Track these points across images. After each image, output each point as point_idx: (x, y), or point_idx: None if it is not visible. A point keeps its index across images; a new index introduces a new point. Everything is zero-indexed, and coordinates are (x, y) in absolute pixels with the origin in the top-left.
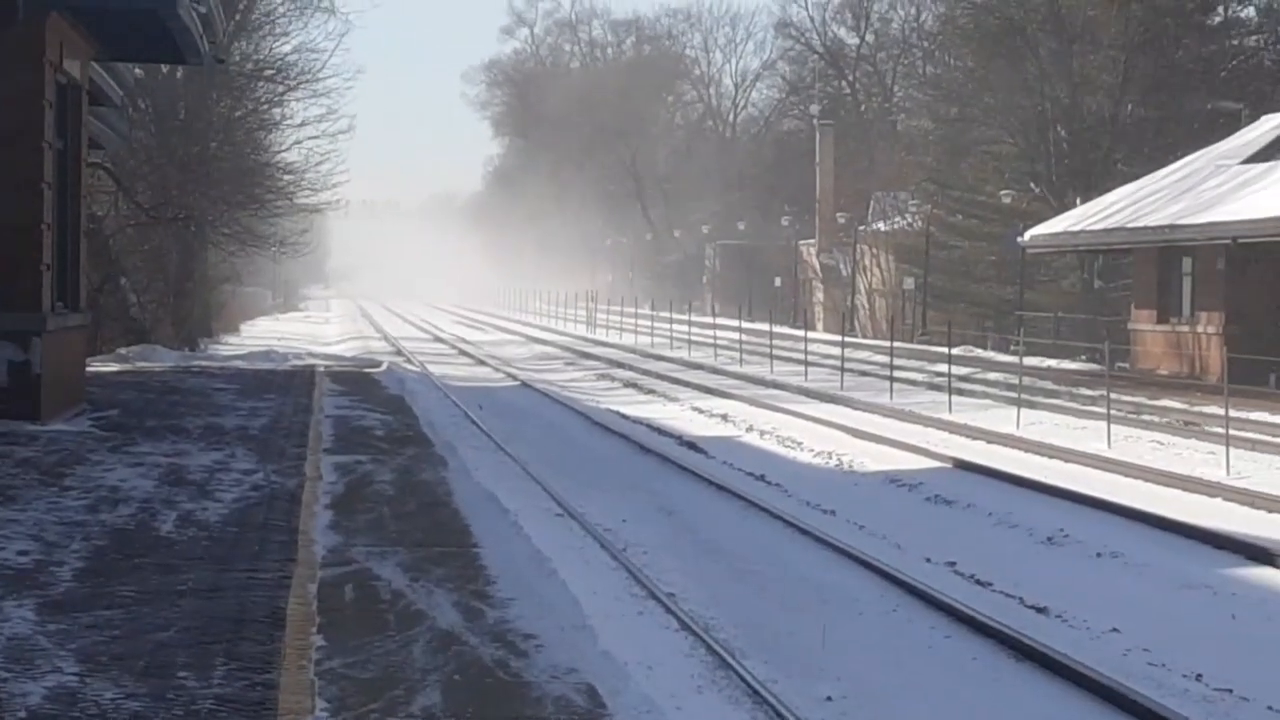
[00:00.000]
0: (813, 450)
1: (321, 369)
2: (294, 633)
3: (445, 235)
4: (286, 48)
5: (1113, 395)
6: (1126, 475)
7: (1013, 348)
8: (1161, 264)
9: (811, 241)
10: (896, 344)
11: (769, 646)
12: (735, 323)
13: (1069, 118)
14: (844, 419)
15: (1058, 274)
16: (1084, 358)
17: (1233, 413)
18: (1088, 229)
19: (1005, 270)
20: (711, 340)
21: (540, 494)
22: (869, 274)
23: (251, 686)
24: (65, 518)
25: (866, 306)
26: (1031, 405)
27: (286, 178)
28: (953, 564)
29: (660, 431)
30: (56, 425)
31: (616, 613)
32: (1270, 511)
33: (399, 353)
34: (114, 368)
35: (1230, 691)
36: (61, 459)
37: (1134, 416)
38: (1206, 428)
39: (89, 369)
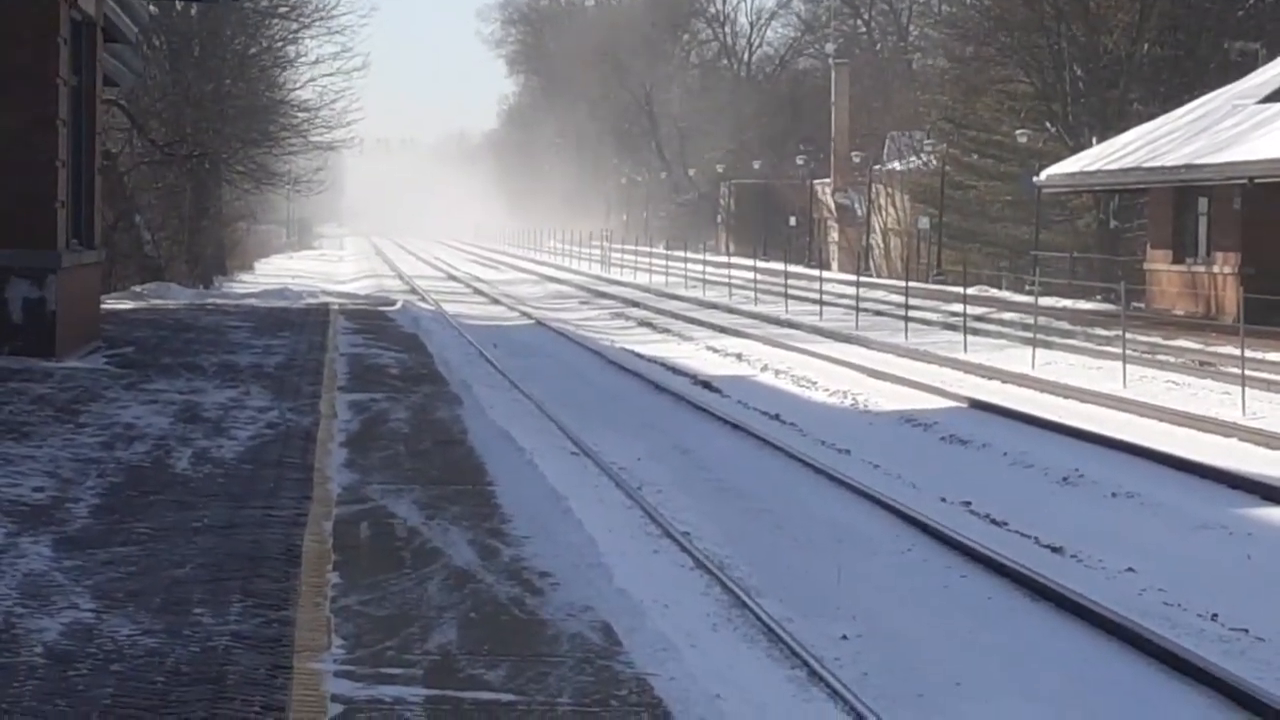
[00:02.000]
0: (828, 390)
1: (336, 307)
2: (310, 570)
3: (460, 173)
4: None
5: (1128, 335)
6: (1142, 415)
7: (1028, 288)
8: (1177, 204)
9: (827, 181)
10: (911, 284)
11: (784, 585)
12: (750, 262)
13: (1085, 57)
14: (859, 358)
15: (1073, 214)
16: (1099, 298)
17: (1248, 353)
18: (1103, 169)
19: (1021, 210)
20: (726, 280)
21: (555, 432)
22: (884, 214)
23: (267, 623)
24: (80, 454)
25: (881, 246)
26: (1047, 345)
27: (301, 115)
28: (968, 504)
29: (675, 370)
30: (71, 362)
31: (632, 551)
32: None
33: (413, 291)
34: (129, 305)
35: (1246, 631)
36: (76, 396)
37: (1149, 357)
38: (1222, 368)
39: (104, 306)
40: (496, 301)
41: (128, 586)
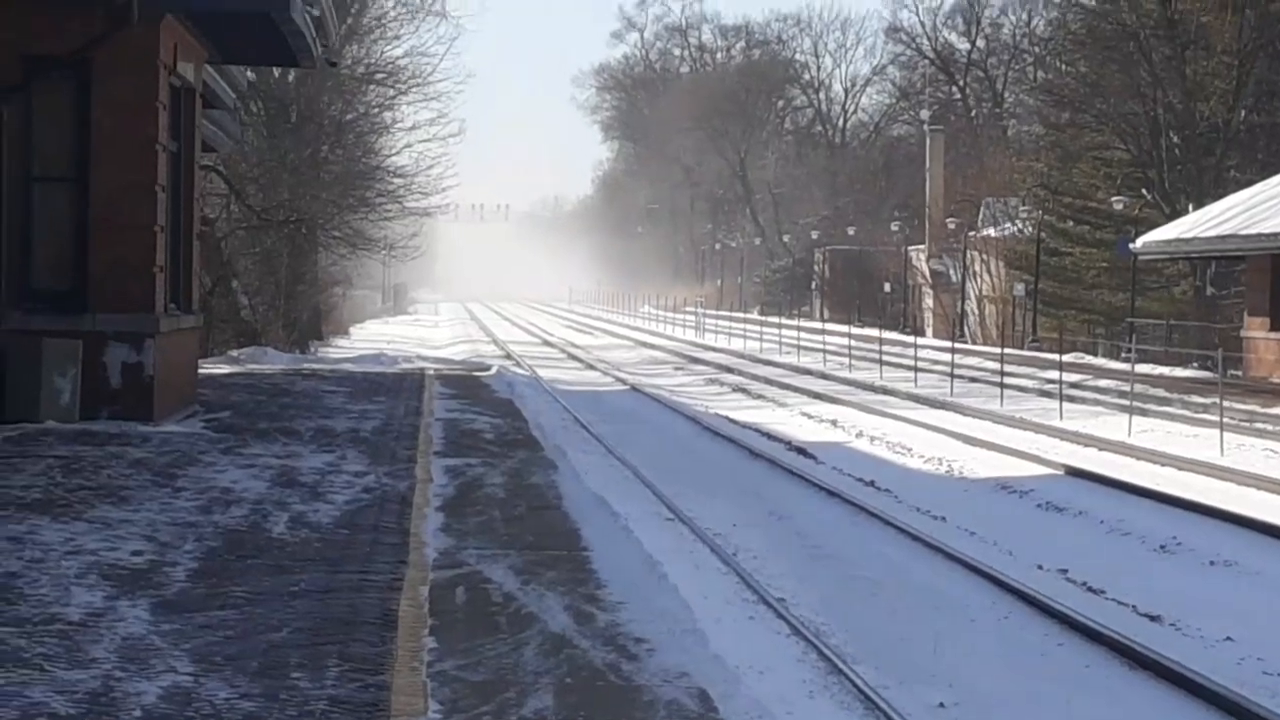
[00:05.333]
0: (923, 456)
1: (431, 372)
2: (406, 634)
3: (554, 239)
4: (398, 51)
5: (1225, 403)
6: (1239, 483)
7: (1124, 355)
8: (1275, 271)
9: (921, 247)
10: (1006, 350)
11: (880, 652)
12: (844, 328)
13: (1182, 124)
14: (954, 425)
15: (1170, 281)
16: (1196, 365)
17: None
18: (1200, 236)
19: (1116, 277)
20: (821, 346)
21: (650, 498)
22: (979, 280)
23: (364, 688)
24: (178, 518)
25: (976, 313)
26: (1143, 413)
27: (397, 181)
28: (1065, 571)
29: (770, 436)
30: (169, 426)
31: (727, 617)
32: None
33: (508, 356)
34: (225, 369)
35: None
36: (174, 460)
37: (1247, 425)
38: None
39: (201, 371)
40: (591, 367)
41: (225, 650)
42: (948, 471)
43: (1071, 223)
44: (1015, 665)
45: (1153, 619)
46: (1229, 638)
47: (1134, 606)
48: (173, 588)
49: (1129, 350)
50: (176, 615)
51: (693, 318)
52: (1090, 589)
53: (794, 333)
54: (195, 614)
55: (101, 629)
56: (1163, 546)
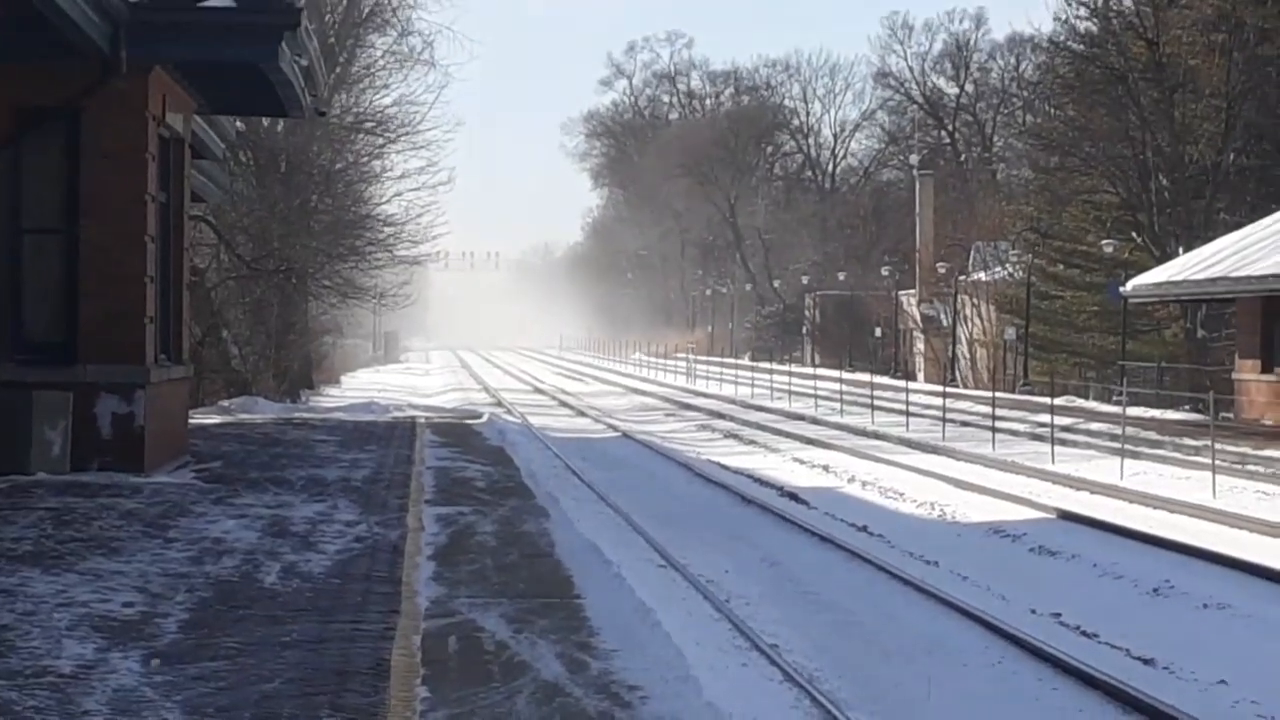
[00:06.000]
0: (915, 501)
1: (422, 420)
2: (398, 684)
3: (544, 286)
4: (387, 100)
5: (1217, 445)
6: (1232, 526)
7: (1115, 398)
8: (1266, 313)
9: (912, 292)
10: (998, 394)
11: (874, 698)
12: (836, 373)
13: (1171, 167)
14: (946, 469)
15: (1160, 324)
16: (1187, 408)
17: None
18: (1190, 278)
19: (1107, 320)
20: (812, 391)
21: (642, 545)
22: (970, 324)
23: None
24: (169, 569)
25: (967, 356)
26: (1135, 455)
27: (387, 230)
28: (1058, 615)
29: (761, 482)
30: (160, 477)
31: (720, 664)
32: None
33: (499, 404)
34: (216, 419)
35: None
36: (165, 510)
37: (1239, 467)
38: None
39: (192, 421)
40: (582, 414)
41: (217, 701)
42: (940, 516)
43: (1062, 266)
44: (1009, 709)
45: (1146, 662)
46: (1223, 681)
47: (1127, 650)
48: (164, 639)
49: (1120, 393)
50: (168, 666)
51: (684, 364)
52: (1084, 633)
53: (785, 378)
54: (187, 665)
55: (93, 681)
56: (1156, 590)
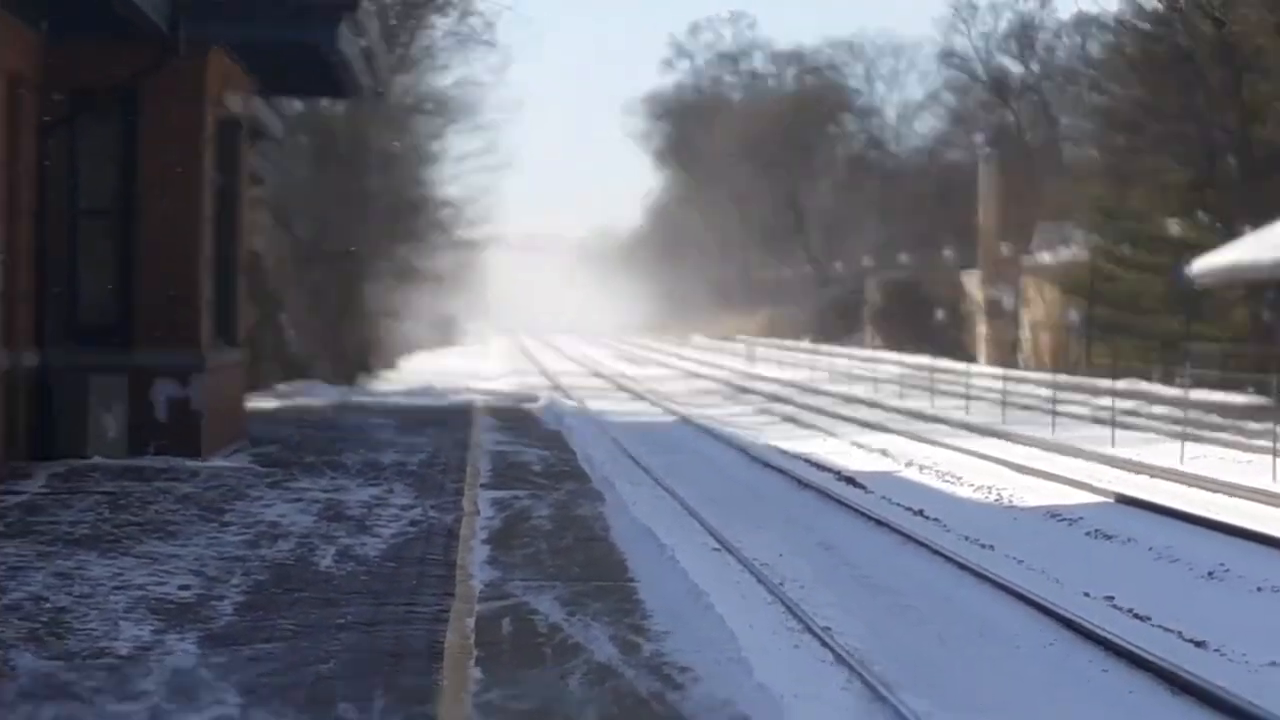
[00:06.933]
0: (972, 485)
1: (479, 404)
2: (452, 666)
3: (605, 269)
4: (447, 81)
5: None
6: None
7: (1179, 381)
8: None
9: (974, 273)
10: (1060, 377)
11: (926, 680)
12: (896, 356)
13: (1239, 147)
14: (1005, 453)
15: (1227, 306)
16: (1251, 390)
17: None
18: (1258, 260)
19: (1173, 302)
20: (872, 375)
21: (697, 529)
22: (1033, 306)
23: (411, 718)
24: (225, 552)
25: (1030, 339)
26: (1197, 439)
27: (446, 212)
28: (1111, 598)
29: (819, 466)
30: (216, 461)
31: (773, 646)
32: None
33: (557, 387)
34: (273, 404)
35: None
36: (222, 494)
37: None
38: None
39: (248, 405)
40: (641, 398)
41: (273, 682)
42: (997, 500)
43: (1127, 247)
44: (1060, 691)
45: (1198, 645)
46: (1274, 663)
47: (1179, 633)
48: (220, 621)
49: (1184, 376)
50: (224, 648)
51: (743, 347)
52: (1136, 615)
53: (845, 361)
54: (243, 647)
55: (149, 662)
56: (1211, 573)
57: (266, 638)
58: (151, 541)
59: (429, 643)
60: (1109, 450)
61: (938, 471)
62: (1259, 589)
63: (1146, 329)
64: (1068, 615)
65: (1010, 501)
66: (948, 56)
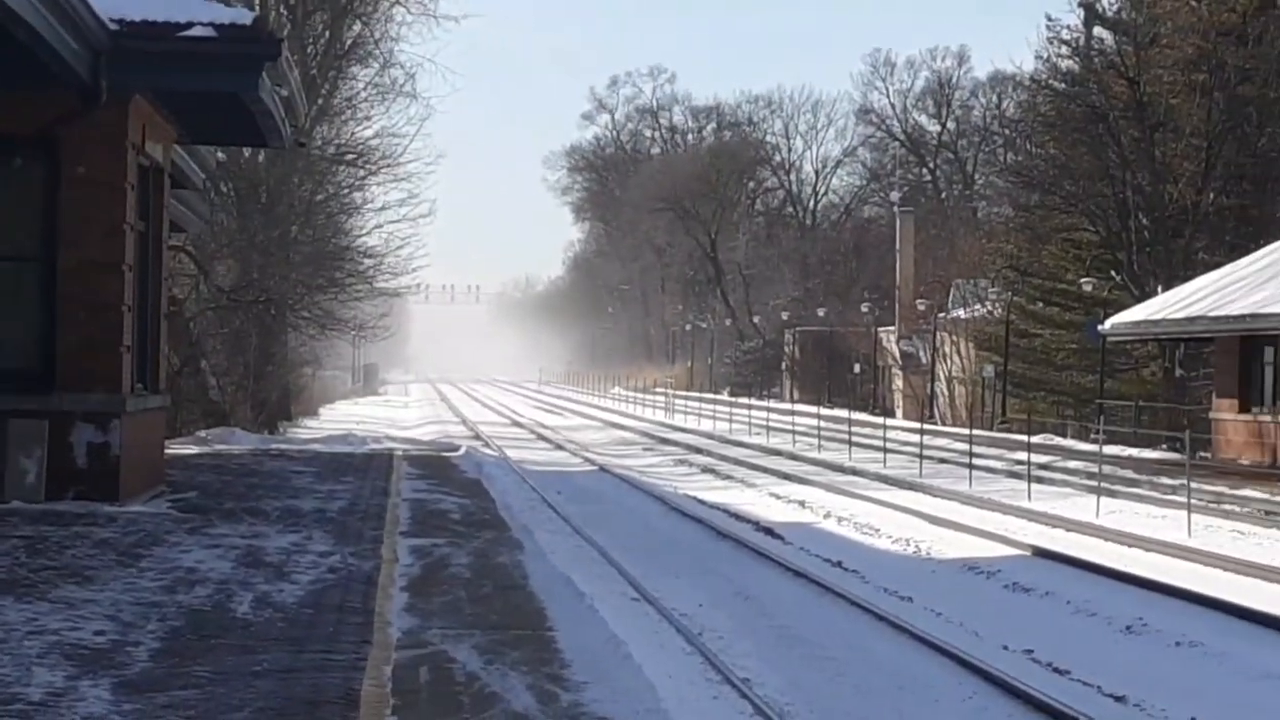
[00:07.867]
0: (890, 537)
1: (400, 453)
2: (368, 714)
3: (525, 320)
4: (368, 132)
5: (1193, 484)
6: (1206, 564)
7: (1093, 436)
8: (1243, 353)
9: (891, 328)
10: (976, 431)
11: None
12: (814, 409)
13: (1151, 206)
14: (922, 506)
15: (1139, 362)
16: (1165, 446)
17: None
18: (1169, 317)
19: (1086, 358)
20: (790, 426)
21: (616, 578)
22: (948, 361)
23: None
24: (142, 598)
25: (946, 394)
26: (1112, 494)
27: (367, 261)
28: (1030, 652)
29: (737, 517)
30: (135, 506)
31: (691, 697)
32: None
33: (477, 437)
34: (193, 450)
35: None
36: (139, 540)
37: (1215, 506)
38: None
39: (168, 451)
40: (560, 447)
41: None
42: (915, 552)
43: (1041, 304)
44: None
45: (1118, 699)
46: (1194, 718)
47: (1099, 687)
48: (135, 667)
49: (1098, 431)
50: (138, 695)
51: (662, 399)
52: (1056, 669)
53: (763, 414)
54: (157, 694)
55: (62, 709)
56: (1129, 627)
57: (182, 684)
58: (67, 586)
59: (346, 690)
60: (1026, 504)
61: (856, 523)
62: (1177, 643)
63: (1060, 384)
64: (987, 668)
65: (928, 554)
66: (865, 114)
